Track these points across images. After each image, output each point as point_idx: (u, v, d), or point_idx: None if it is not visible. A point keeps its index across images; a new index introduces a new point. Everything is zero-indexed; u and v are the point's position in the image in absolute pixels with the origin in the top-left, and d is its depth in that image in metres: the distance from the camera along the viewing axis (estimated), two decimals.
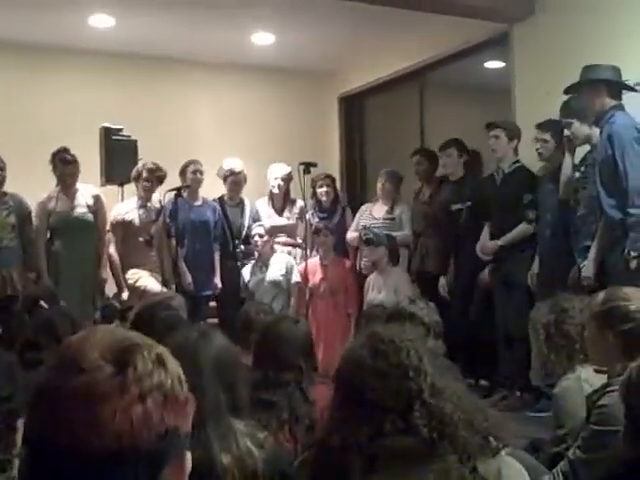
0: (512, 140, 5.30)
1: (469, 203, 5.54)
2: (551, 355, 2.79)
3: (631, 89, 4.30)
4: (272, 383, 2.58)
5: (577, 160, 4.78)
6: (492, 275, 5.32)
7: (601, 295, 2.45)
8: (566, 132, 4.63)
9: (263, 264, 5.93)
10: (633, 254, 3.95)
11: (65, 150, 5.52)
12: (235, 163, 6.31)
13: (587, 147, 4.69)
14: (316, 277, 5.96)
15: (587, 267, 4.24)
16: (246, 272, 5.93)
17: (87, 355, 0.98)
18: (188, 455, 1.04)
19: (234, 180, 6.26)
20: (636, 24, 4.82)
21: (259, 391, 2.48)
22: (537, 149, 5.03)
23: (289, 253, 6.27)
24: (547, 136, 4.97)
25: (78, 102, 6.94)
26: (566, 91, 4.41)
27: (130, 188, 6.06)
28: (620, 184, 4.03)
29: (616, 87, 4.26)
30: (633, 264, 3.96)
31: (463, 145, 5.77)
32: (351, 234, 6.32)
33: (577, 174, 4.62)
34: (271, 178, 6.40)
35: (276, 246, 6.22)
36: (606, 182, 4.13)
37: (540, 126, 5.01)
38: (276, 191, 6.38)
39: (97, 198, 5.74)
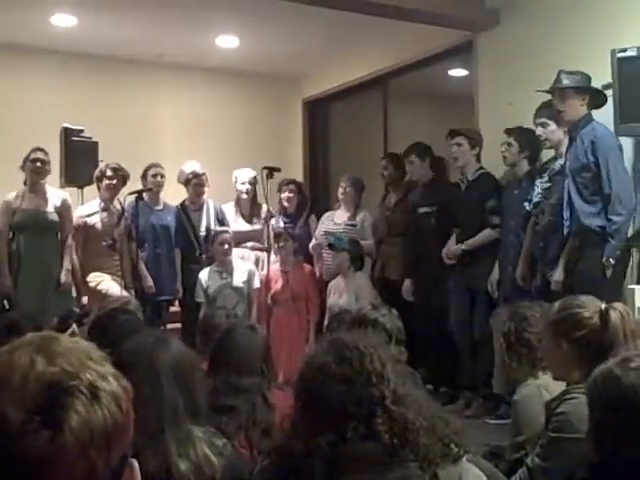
0: (474, 148, 5.34)
1: (436, 207, 5.56)
2: (513, 363, 2.80)
3: (603, 103, 4.33)
4: (233, 388, 2.56)
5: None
6: (453, 280, 5.35)
7: (557, 304, 2.46)
8: (539, 131, 4.66)
9: (224, 270, 5.86)
10: (612, 261, 4.00)
11: (39, 149, 5.44)
12: (196, 165, 6.24)
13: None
14: (278, 284, 5.93)
15: (557, 272, 4.28)
16: (203, 276, 5.86)
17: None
18: (134, 463, 1.00)
19: (197, 182, 6.19)
20: (600, 35, 4.89)
21: (218, 397, 2.45)
22: (502, 152, 5.08)
23: (257, 258, 6.23)
24: (511, 140, 5.02)
25: (38, 102, 6.85)
26: (547, 90, 4.41)
27: (90, 191, 5.97)
28: (602, 191, 4.07)
29: (595, 96, 4.30)
30: (609, 271, 4.01)
31: (424, 148, 5.75)
32: (312, 241, 6.31)
33: (539, 184, 4.66)
34: (238, 183, 6.35)
35: (244, 250, 6.17)
36: (582, 189, 4.16)
37: (508, 130, 5.07)
38: (244, 196, 6.33)
39: (64, 201, 5.65)
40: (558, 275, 4.26)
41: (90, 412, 0.90)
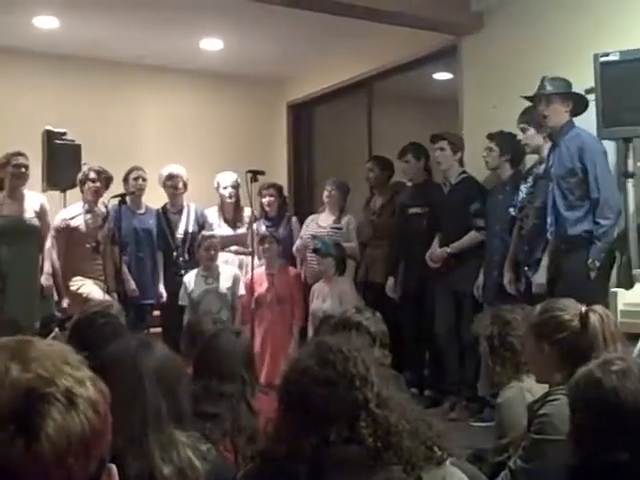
0: (456, 152, 5.36)
1: (427, 208, 5.57)
2: (496, 367, 2.81)
3: (585, 109, 4.37)
4: (214, 394, 2.55)
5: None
6: (439, 283, 5.36)
7: (538, 307, 2.48)
8: (520, 135, 4.69)
9: (210, 275, 5.84)
10: (597, 264, 4.03)
11: (20, 154, 5.39)
12: (172, 168, 6.19)
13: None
14: (262, 287, 5.92)
15: (539, 274, 4.30)
16: (188, 279, 5.84)
17: None
18: (113, 468, 0.98)
19: (171, 184, 6.13)
20: (583, 40, 4.92)
21: (201, 402, 2.45)
22: (484, 157, 5.11)
23: (240, 262, 6.21)
24: (492, 145, 5.06)
25: (20, 104, 6.81)
26: (529, 97, 4.46)
27: (73, 194, 5.93)
28: (590, 195, 4.12)
29: (578, 105, 4.32)
30: (594, 274, 4.04)
31: (421, 149, 5.75)
32: (297, 244, 6.30)
33: (524, 188, 4.69)
34: (220, 187, 6.31)
35: (227, 255, 6.15)
36: (568, 194, 4.20)
37: (489, 135, 5.10)
38: (228, 200, 6.30)
39: (42, 205, 5.61)
40: (539, 277, 4.29)
41: (67, 419, 0.88)
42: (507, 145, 4.97)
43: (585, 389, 1.57)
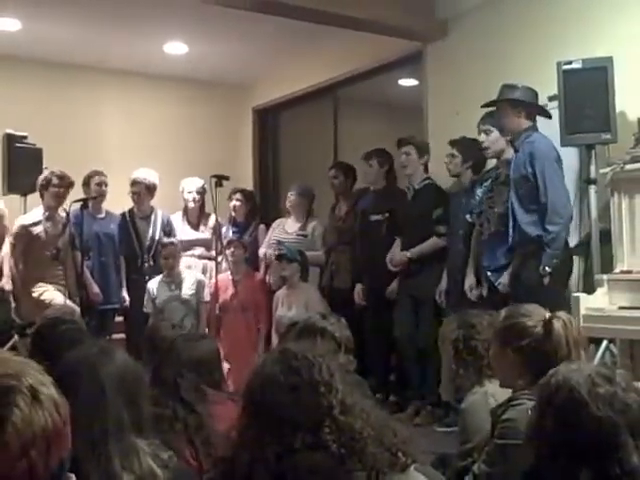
0: (422, 157, 5.39)
1: (387, 215, 5.58)
2: (460, 370, 2.82)
3: (547, 115, 4.42)
4: (175, 400, 2.53)
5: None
6: (399, 288, 5.37)
7: (503, 312, 2.50)
8: (482, 137, 4.71)
9: (172, 281, 5.79)
10: (548, 270, 4.07)
11: None
12: (139, 172, 6.11)
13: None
14: (227, 292, 5.88)
15: (504, 276, 4.33)
16: (152, 286, 5.77)
17: None
18: (73, 478, 0.99)
19: (132, 190, 6.08)
20: (545, 48, 4.99)
21: (160, 408, 2.42)
22: (446, 163, 5.14)
23: (204, 268, 6.16)
24: (454, 151, 5.09)
25: None
26: (484, 105, 4.50)
27: (32, 198, 5.83)
28: (539, 201, 4.15)
29: (533, 109, 4.37)
30: (546, 280, 4.08)
31: (386, 156, 5.74)
32: (263, 250, 6.27)
33: (480, 193, 4.71)
34: (185, 192, 6.28)
35: (191, 259, 6.10)
36: (523, 199, 4.23)
37: (451, 142, 5.13)
38: (192, 205, 6.26)
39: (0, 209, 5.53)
40: (503, 278, 4.32)
41: (32, 412, 0.92)
42: (469, 152, 5.00)
43: (558, 395, 1.56)
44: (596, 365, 1.82)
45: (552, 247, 4.10)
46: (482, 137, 4.69)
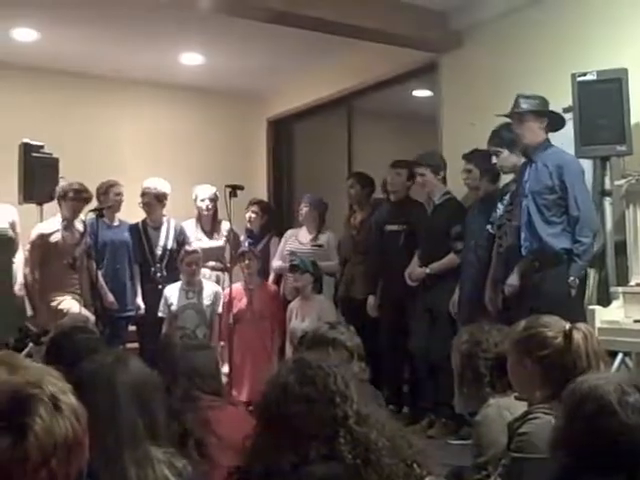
0: (438, 174, 5.36)
1: (405, 226, 5.56)
2: (463, 387, 2.81)
3: (563, 124, 4.40)
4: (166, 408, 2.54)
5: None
6: (415, 301, 5.36)
7: (522, 323, 2.47)
8: (494, 159, 4.72)
9: (192, 289, 5.82)
10: (577, 281, 4.07)
11: None
12: (148, 182, 6.15)
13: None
14: (242, 302, 5.89)
15: (512, 277, 4.31)
16: (169, 292, 5.79)
17: None
18: None
19: (142, 200, 6.13)
20: (560, 59, 4.98)
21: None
22: (464, 179, 5.13)
23: (217, 278, 6.18)
24: (471, 166, 5.08)
25: None
26: (503, 115, 4.48)
27: (49, 207, 5.87)
28: (568, 213, 4.15)
29: (551, 120, 4.36)
30: (573, 291, 4.07)
31: (410, 168, 5.65)
32: (276, 261, 6.27)
33: (500, 206, 4.70)
34: (198, 200, 6.31)
35: (205, 270, 6.12)
36: (544, 210, 4.22)
37: (465, 156, 5.12)
38: (205, 213, 6.30)
39: (14, 217, 5.57)
40: (512, 279, 4.29)
41: (53, 421, 0.92)
42: (485, 164, 5.00)
43: (591, 409, 1.53)
44: (622, 374, 1.79)
45: (583, 259, 4.13)
46: (494, 159, 4.69)
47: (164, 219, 6.19)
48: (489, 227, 4.77)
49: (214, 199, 6.24)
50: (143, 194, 6.11)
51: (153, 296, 5.88)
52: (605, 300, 4.22)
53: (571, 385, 1.61)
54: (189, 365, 2.80)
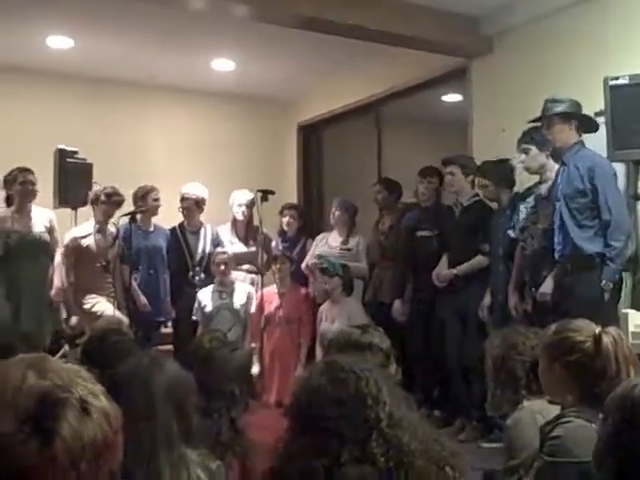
0: (468, 175, 5.35)
1: (437, 232, 5.55)
2: (497, 390, 2.80)
3: (595, 127, 4.37)
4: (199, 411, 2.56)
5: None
6: (446, 304, 5.35)
7: (552, 327, 2.46)
8: (514, 161, 4.69)
9: (224, 290, 5.88)
10: (611, 285, 4.03)
11: (27, 170, 5.43)
12: (187, 188, 6.24)
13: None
14: (272, 305, 5.93)
15: (546, 285, 4.28)
16: (202, 295, 5.85)
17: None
18: None
19: (182, 206, 6.21)
20: (592, 64, 4.95)
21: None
22: (482, 193, 5.15)
23: (252, 281, 6.22)
24: (486, 182, 5.09)
25: (33, 123, 6.86)
26: (533, 120, 4.47)
27: (83, 211, 5.96)
28: (600, 217, 4.13)
29: (583, 123, 4.33)
30: (607, 295, 4.04)
31: (440, 174, 5.67)
32: (306, 262, 6.31)
33: (523, 209, 4.67)
34: (234, 205, 6.36)
35: (239, 273, 6.16)
36: (576, 214, 4.20)
37: (480, 171, 5.11)
38: (240, 218, 6.35)
39: (52, 221, 5.66)
40: (545, 287, 4.27)
41: (81, 424, 0.91)
42: (499, 175, 5.00)
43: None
44: None
45: (616, 262, 4.09)
46: (522, 157, 4.65)
47: (201, 224, 6.26)
48: (510, 232, 4.74)
49: (250, 205, 6.29)
50: (183, 199, 6.19)
51: (191, 299, 5.95)
52: (638, 304, 4.18)
53: (618, 391, 1.57)
54: (222, 367, 2.82)
